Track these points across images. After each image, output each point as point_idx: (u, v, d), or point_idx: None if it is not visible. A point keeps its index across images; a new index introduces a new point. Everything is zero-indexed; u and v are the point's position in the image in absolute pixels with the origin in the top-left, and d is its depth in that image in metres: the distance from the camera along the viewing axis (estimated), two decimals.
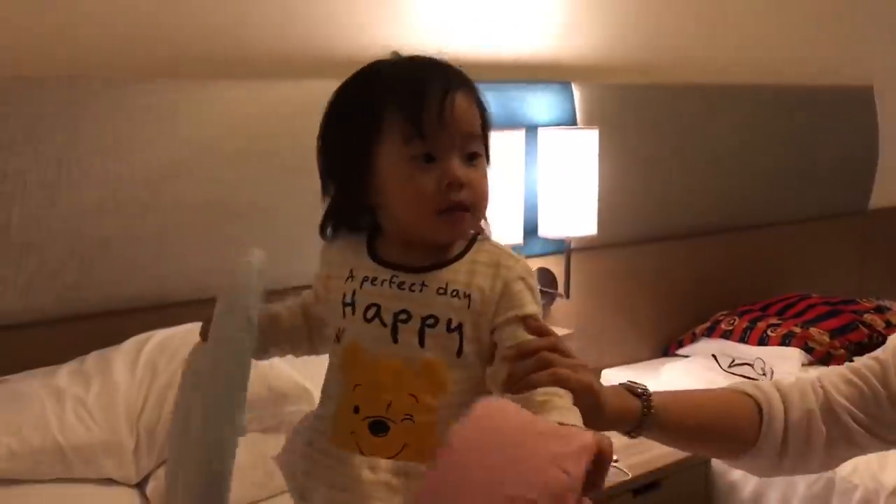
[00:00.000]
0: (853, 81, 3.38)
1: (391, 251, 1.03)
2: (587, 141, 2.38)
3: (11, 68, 1.76)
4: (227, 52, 2.02)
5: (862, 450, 1.20)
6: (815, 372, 1.27)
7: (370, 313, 1.00)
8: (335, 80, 1.05)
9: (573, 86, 2.55)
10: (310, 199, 1.08)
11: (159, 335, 1.77)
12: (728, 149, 2.97)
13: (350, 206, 1.05)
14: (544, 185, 2.39)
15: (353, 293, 1.02)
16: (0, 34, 1.75)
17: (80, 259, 1.80)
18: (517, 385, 0.95)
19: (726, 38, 3.02)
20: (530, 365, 0.96)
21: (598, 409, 1.02)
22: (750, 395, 1.19)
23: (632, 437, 1.13)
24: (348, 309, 1.01)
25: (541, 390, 0.94)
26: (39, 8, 1.79)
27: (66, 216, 1.77)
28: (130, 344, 1.75)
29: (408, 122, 0.97)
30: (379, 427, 0.97)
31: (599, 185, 2.41)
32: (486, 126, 1.04)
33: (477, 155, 1.02)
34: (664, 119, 2.79)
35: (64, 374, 1.67)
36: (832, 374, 1.23)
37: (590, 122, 2.55)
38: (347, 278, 1.03)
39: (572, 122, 2.54)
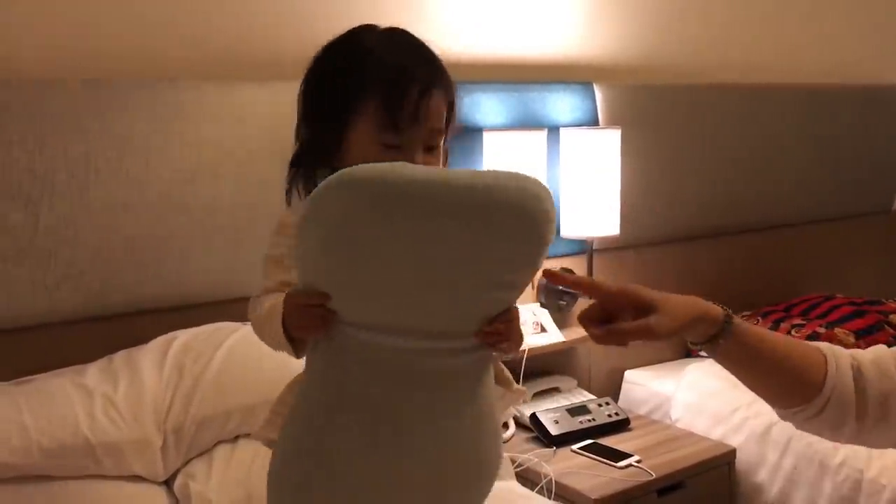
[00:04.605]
0: (877, 81, 3.36)
1: None
2: (609, 141, 2.37)
3: (40, 70, 1.78)
4: (252, 54, 2.03)
5: None
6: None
7: None
8: None
9: (595, 86, 2.55)
10: None
11: (185, 335, 1.78)
12: (751, 149, 2.96)
13: (314, 156, 1.15)
14: (566, 185, 2.38)
15: None
16: (29, 37, 1.78)
17: (107, 259, 1.82)
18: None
19: (749, 38, 3.01)
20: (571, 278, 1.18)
21: (647, 308, 1.12)
22: (820, 350, 1.19)
23: (702, 346, 1.18)
24: None
25: None
26: (66, 10, 1.81)
27: (93, 217, 1.79)
28: (157, 344, 1.76)
29: (385, 113, 1.08)
30: None
31: (622, 186, 2.40)
32: (450, 119, 1.15)
33: (435, 147, 1.13)
34: (686, 119, 2.78)
35: (92, 373, 1.69)
36: None
37: (612, 123, 2.54)
38: None
39: (594, 122, 2.54)
